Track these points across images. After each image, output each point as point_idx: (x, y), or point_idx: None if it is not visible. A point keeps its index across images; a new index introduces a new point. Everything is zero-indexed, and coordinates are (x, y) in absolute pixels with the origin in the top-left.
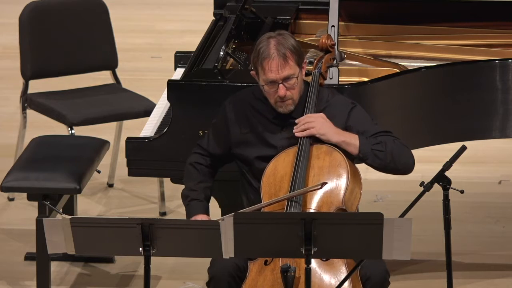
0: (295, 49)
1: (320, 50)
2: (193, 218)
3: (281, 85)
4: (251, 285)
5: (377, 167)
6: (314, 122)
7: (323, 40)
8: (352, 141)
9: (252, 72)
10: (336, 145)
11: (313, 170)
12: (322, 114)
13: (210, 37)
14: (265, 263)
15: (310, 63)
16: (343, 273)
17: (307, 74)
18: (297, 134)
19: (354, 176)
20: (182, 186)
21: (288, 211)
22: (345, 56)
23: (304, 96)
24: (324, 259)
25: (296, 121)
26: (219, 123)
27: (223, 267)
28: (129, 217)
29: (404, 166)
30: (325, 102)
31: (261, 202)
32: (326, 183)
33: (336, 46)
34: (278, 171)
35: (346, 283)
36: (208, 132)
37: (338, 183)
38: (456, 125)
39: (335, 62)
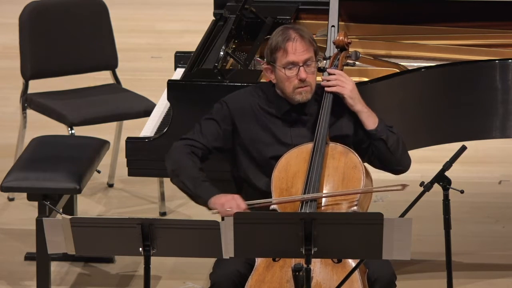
0: (313, 37)
1: (336, 48)
2: (216, 197)
3: (302, 68)
4: (258, 280)
5: (385, 152)
6: (346, 83)
7: (340, 38)
8: (372, 114)
9: (266, 66)
10: (351, 120)
11: (328, 169)
12: (352, 80)
13: (210, 37)
14: (274, 259)
15: (325, 58)
16: (356, 276)
17: (321, 70)
18: (326, 89)
19: (368, 178)
20: None
21: (302, 210)
22: (360, 55)
23: (314, 95)
24: (336, 261)
25: (326, 73)
26: (222, 119)
27: (225, 274)
28: (129, 217)
29: (405, 162)
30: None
31: (270, 198)
32: (407, 185)
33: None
34: (290, 166)
35: (360, 286)
36: (200, 126)
37: (354, 186)
38: (456, 125)
39: (350, 60)
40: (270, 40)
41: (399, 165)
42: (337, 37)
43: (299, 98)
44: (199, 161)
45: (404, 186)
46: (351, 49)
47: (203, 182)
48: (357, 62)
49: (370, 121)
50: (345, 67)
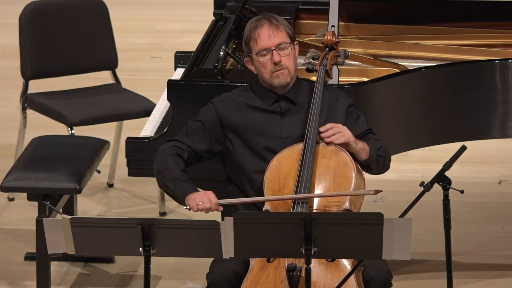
0: (285, 23)
1: (324, 47)
2: (190, 194)
3: (274, 51)
4: (253, 281)
5: (369, 170)
6: (344, 132)
7: (328, 37)
8: (366, 147)
9: (246, 59)
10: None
11: (319, 169)
12: (342, 125)
13: (210, 37)
14: (268, 260)
15: (314, 59)
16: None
17: (309, 70)
18: (336, 142)
19: (360, 176)
20: None
21: (294, 210)
22: (349, 54)
23: (307, 90)
24: (330, 260)
25: (321, 129)
26: (208, 121)
27: (222, 274)
28: (129, 217)
29: (383, 171)
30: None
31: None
32: (380, 190)
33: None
34: (282, 167)
35: (354, 284)
36: (186, 127)
37: (345, 184)
38: (456, 125)
39: (340, 59)
40: (244, 33)
41: (374, 173)
42: (325, 37)
43: (277, 82)
44: (183, 162)
45: (377, 191)
46: (340, 48)
47: (183, 182)
48: (355, 62)
49: (364, 155)
50: (340, 67)
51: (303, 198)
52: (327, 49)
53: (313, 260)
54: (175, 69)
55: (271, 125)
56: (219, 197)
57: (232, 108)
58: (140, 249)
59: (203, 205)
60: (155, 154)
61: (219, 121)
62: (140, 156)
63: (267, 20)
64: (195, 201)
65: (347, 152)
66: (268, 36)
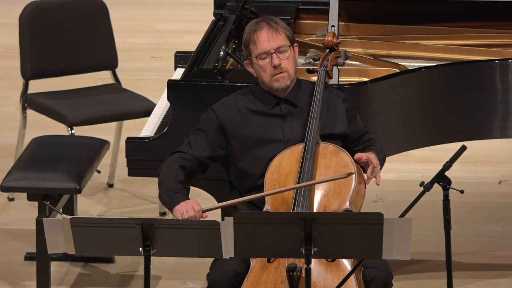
0: (285, 25)
1: (325, 48)
2: (176, 206)
3: (274, 54)
4: (254, 282)
5: None
6: (377, 167)
7: (329, 38)
8: (379, 161)
9: (245, 62)
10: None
11: (319, 169)
12: (371, 156)
13: (210, 37)
14: (268, 260)
15: (314, 59)
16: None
17: (310, 72)
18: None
19: (360, 176)
20: None
21: (294, 210)
22: (350, 54)
23: (308, 92)
24: (330, 260)
25: (368, 174)
26: (209, 128)
27: (222, 274)
28: (129, 217)
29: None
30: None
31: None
32: (352, 173)
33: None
34: (282, 168)
35: (354, 284)
36: (189, 139)
37: (346, 184)
38: (456, 125)
39: (340, 60)
40: (243, 35)
41: None
42: (326, 38)
43: (277, 85)
44: (184, 174)
45: (349, 174)
46: (340, 49)
47: (175, 193)
48: (355, 62)
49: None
50: (340, 67)
51: (277, 193)
52: (328, 50)
53: (313, 260)
54: (175, 69)
55: (273, 128)
56: (220, 197)
57: (233, 114)
58: (140, 249)
59: (186, 214)
60: (159, 167)
61: (221, 127)
62: (140, 156)
63: (266, 23)
64: (179, 212)
65: (347, 153)
66: (268, 39)
